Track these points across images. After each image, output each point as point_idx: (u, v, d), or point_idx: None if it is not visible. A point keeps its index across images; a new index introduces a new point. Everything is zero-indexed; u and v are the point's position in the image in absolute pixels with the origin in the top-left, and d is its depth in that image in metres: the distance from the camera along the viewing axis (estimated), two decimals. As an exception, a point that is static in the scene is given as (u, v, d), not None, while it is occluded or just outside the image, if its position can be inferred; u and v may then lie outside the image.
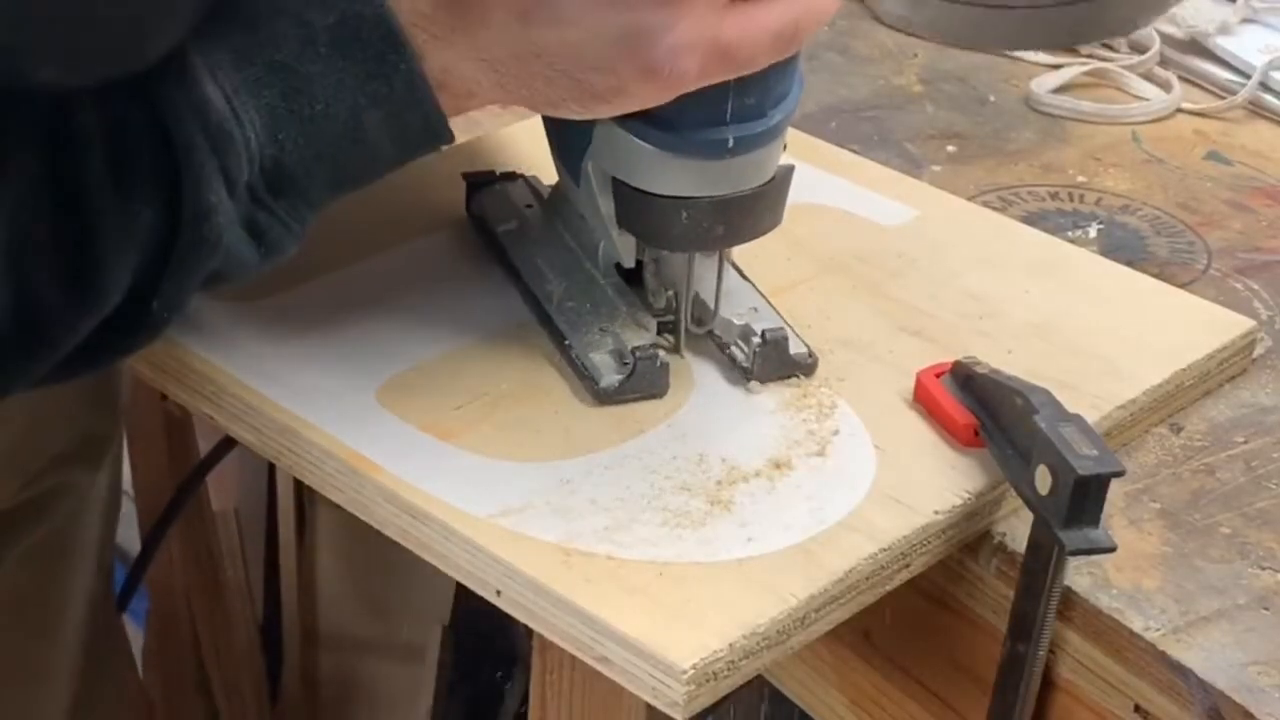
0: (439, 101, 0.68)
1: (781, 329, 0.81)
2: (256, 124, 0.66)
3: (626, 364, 0.79)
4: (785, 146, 0.78)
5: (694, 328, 0.83)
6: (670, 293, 0.83)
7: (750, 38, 0.68)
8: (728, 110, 0.73)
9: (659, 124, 0.73)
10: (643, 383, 0.79)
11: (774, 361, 0.81)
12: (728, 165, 0.75)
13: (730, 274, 0.85)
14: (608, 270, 0.84)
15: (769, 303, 0.85)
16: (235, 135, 0.66)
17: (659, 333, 0.83)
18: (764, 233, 0.80)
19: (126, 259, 0.65)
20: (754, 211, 0.77)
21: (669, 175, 0.75)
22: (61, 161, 0.64)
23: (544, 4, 0.66)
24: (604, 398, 0.79)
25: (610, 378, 0.79)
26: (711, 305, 0.82)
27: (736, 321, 0.82)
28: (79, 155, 0.64)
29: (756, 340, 0.81)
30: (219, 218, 0.66)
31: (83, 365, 0.70)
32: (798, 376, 0.81)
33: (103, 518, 1.20)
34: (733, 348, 0.82)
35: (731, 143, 0.73)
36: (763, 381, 0.81)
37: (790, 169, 0.78)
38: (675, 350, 0.83)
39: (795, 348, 0.81)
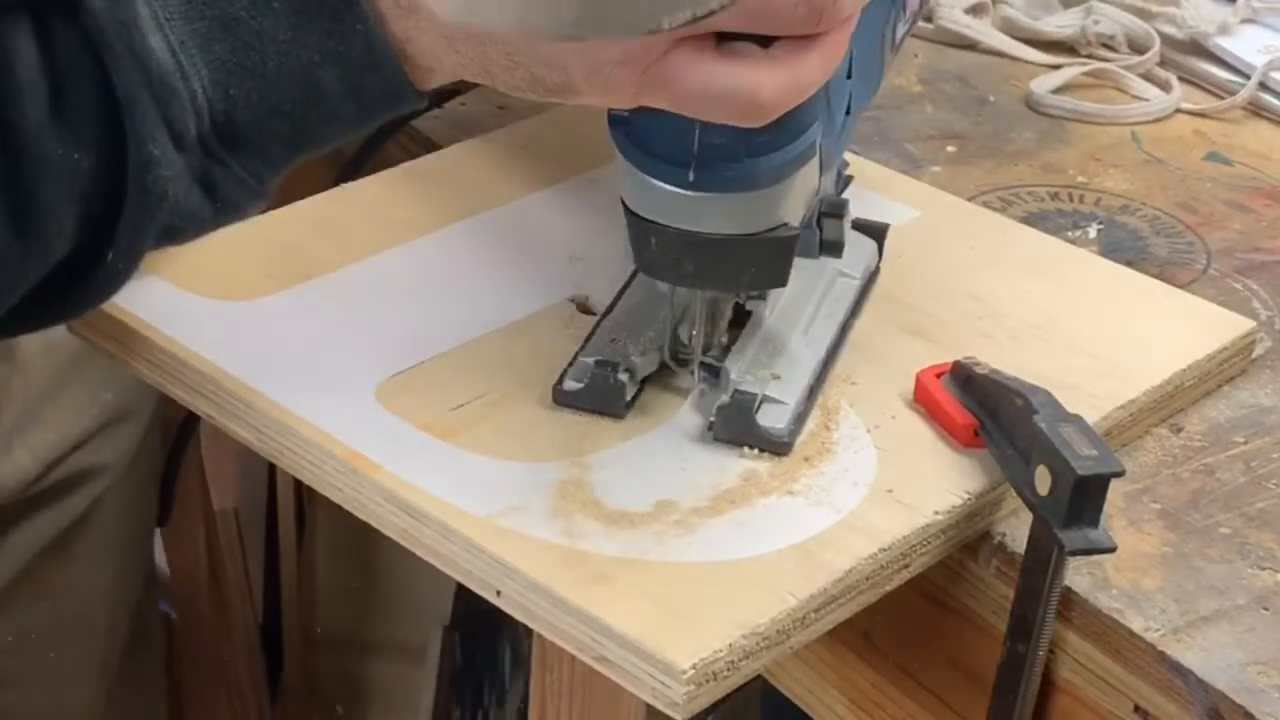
0: (401, 65, 0.68)
1: (753, 396, 0.77)
2: (205, 78, 0.65)
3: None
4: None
5: (673, 364, 0.80)
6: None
7: (694, 83, 0.66)
8: (694, 142, 0.70)
9: (634, 139, 0.72)
10: (595, 397, 0.78)
11: (735, 424, 0.77)
12: (697, 200, 0.72)
13: (798, 337, 0.82)
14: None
15: (812, 379, 0.81)
16: (179, 89, 0.65)
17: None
18: (751, 288, 0.78)
19: (69, 205, 0.65)
20: (734, 260, 0.74)
21: (639, 193, 0.73)
22: (2, 103, 0.63)
23: None
24: (557, 398, 0.79)
25: (571, 383, 0.79)
26: (731, 348, 0.80)
27: (734, 375, 0.79)
28: (20, 99, 0.63)
29: (725, 398, 0.78)
30: (162, 170, 0.65)
31: (45, 316, 0.69)
32: (766, 453, 0.77)
33: (134, 507, 1.19)
34: (722, 397, 0.78)
35: (693, 177, 0.71)
36: (720, 440, 0.77)
37: (797, 235, 0.74)
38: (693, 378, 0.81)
39: (771, 421, 0.77)
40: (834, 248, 0.80)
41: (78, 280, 0.68)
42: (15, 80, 0.63)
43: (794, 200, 0.74)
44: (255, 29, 0.65)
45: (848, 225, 0.81)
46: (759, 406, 0.77)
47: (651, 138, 0.71)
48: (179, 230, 0.68)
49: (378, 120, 0.69)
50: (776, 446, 0.77)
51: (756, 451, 0.77)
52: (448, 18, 0.59)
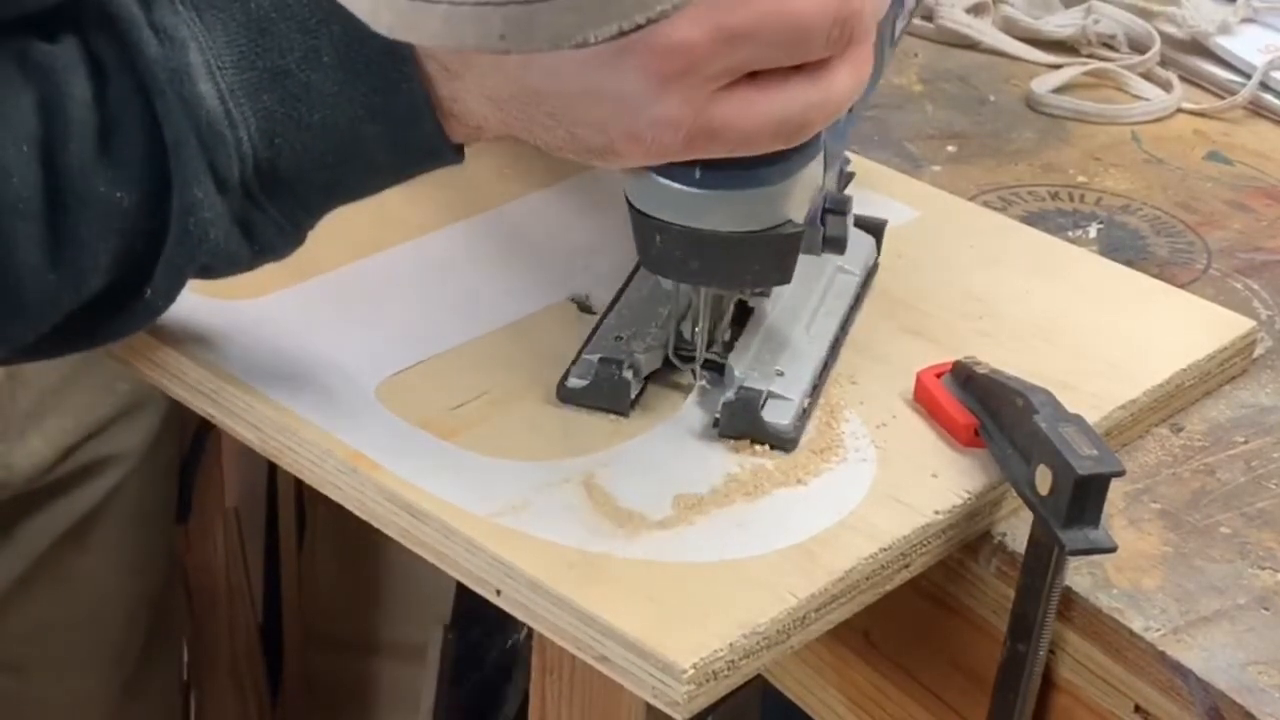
0: (442, 122, 0.68)
1: (759, 392, 0.78)
2: (252, 126, 0.67)
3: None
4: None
5: (676, 361, 0.80)
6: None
7: (744, 125, 0.67)
8: None
9: None
10: (600, 394, 0.78)
11: (740, 420, 0.77)
12: (702, 197, 0.72)
13: (801, 333, 0.83)
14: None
15: (815, 376, 0.81)
16: (226, 136, 0.66)
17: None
18: (755, 285, 0.78)
19: (106, 242, 0.66)
20: (739, 258, 0.74)
21: (645, 191, 0.73)
22: (52, 138, 0.64)
23: (544, 56, 0.66)
24: (562, 396, 0.79)
25: (575, 380, 0.79)
26: (734, 345, 0.81)
27: (738, 372, 0.79)
28: (69, 137, 0.64)
29: (730, 394, 0.78)
30: (205, 213, 0.66)
31: (79, 342, 0.71)
32: (771, 446, 0.77)
33: (152, 497, 1.20)
34: (723, 395, 0.79)
35: (699, 175, 0.71)
36: (727, 437, 0.78)
37: (801, 232, 0.74)
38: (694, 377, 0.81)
39: (776, 417, 0.78)
40: (837, 244, 0.80)
41: (116, 312, 0.69)
42: (66, 118, 0.65)
43: (799, 197, 0.74)
44: (304, 81, 0.66)
45: (850, 222, 0.81)
46: (764, 403, 0.78)
47: None
48: (216, 269, 0.70)
49: (415, 173, 0.71)
50: (782, 442, 0.77)
51: (758, 449, 0.77)
52: (382, 30, 0.60)
